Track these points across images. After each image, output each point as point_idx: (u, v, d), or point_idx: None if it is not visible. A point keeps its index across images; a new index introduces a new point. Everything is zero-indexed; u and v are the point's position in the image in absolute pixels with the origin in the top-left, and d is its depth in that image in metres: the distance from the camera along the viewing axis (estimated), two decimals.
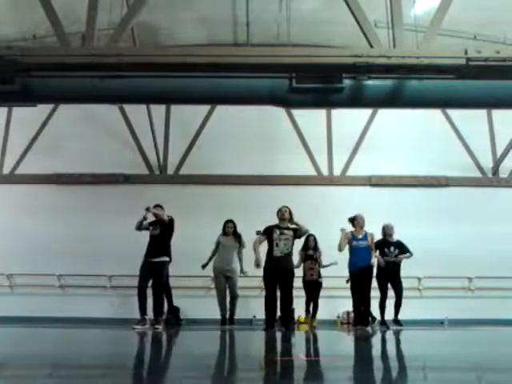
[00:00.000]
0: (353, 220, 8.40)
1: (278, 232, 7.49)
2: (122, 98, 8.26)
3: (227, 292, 8.45)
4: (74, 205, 11.79)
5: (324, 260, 9.51)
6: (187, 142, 12.51)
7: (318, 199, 11.71)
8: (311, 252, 9.28)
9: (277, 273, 7.39)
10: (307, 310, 9.34)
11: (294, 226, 7.58)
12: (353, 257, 8.22)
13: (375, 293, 8.53)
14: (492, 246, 11.08)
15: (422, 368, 3.07)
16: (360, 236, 8.27)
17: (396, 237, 8.90)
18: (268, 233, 7.56)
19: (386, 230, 8.83)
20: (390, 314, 8.67)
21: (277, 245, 7.43)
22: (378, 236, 8.70)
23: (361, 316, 8.09)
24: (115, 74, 7.30)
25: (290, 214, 7.59)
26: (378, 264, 8.56)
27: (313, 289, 9.23)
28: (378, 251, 8.62)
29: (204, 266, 8.53)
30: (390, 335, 6.69)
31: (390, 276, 8.69)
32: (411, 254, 8.78)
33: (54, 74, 7.34)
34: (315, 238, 9.31)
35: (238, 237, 8.50)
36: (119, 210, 11.02)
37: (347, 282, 9.04)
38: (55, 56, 7.10)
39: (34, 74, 7.30)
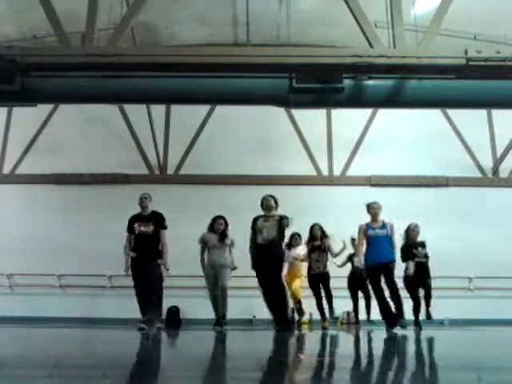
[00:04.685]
0: (367, 209, 7.35)
1: (261, 220, 7.13)
2: (121, 98, 8.26)
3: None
4: (74, 205, 11.79)
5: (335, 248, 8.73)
6: (187, 142, 12.52)
7: (317, 199, 11.72)
8: (318, 242, 8.51)
9: (262, 261, 6.96)
10: (321, 313, 8.49)
11: (279, 214, 7.16)
12: (370, 249, 7.10)
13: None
14: (492, 245, 11.08)
15: (421, 368, 3.07)
16: (376, 225, 7.19)
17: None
18: (254, 220, 7.20)
19: (411, 232, 8.09)
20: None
21: (260, 231, 7.05)
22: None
23: (393, 315, 6.94)
24: (115, 74, 7.31)
25: (276, 202, 7.21)
26: (406, 272, 7.92)
27: (321, 282, 8.40)
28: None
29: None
30: (388, 336, 6.68)
31: (420, 279, 8.03)
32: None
33: (53, 73, 7.34)
34: (321, 227, 8.58)
35: (225, 236, 7.78)
36: (119, 209, 10.99)
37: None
38: (55, 56, 7.10)
39: (33, 74, 7.30)
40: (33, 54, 7.11)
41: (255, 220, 7.19)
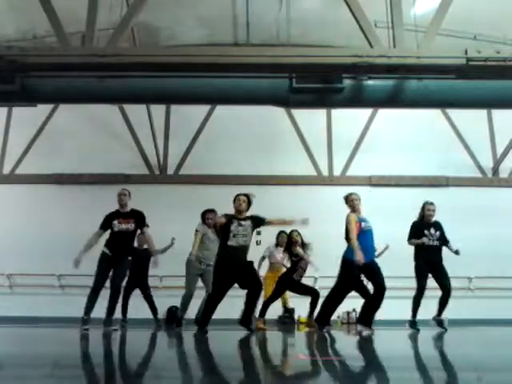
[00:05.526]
0: (346, 200, 6.99)
1: (235, 223, 6.45)
2: (122, 98, 8.26)
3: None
4: (74, 205, 11.79)
5: (313, 260, 8.34)
6: (187, 141, 12.52)
7: (318, 199, 11.71)
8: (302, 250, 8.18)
9: (232, 265, 6.31)
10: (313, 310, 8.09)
11: (251, 215, 6.64)
12: (361, 243, 6.56)
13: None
14: (492, 245, 11.07)
15: (420, 368, 3.07)
16: (363, 217, 6.77)
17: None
18: (227, 221, 6.51)
19: (425, 212, 7.45)
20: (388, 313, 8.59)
21: (234, 236, 6.40)
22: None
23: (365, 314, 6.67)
24: (115, 74, 7.31)
25: (249, 203, 6.61)
26: (418, 252, 7.26)
27: (296, 288, 8.24)
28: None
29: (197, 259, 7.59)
30: (388, 336, 6.69)
31: (432, 266, 7.26)
32: (458, 251, 7.49)
33: (53, 73, 7.34)
34: (299, 233, 8.22)
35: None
36: None
37: (316, 270, 8.10)
38: (55, 56, 7.10)
39: (33, 74, 7.31)
40: (33, 54, 7.11)
41: (228, 222, 6.50)
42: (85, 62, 6.98)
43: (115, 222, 6.93)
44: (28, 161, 12.46)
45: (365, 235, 6.61)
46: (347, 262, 6.59)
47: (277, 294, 8.26)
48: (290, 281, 8.11)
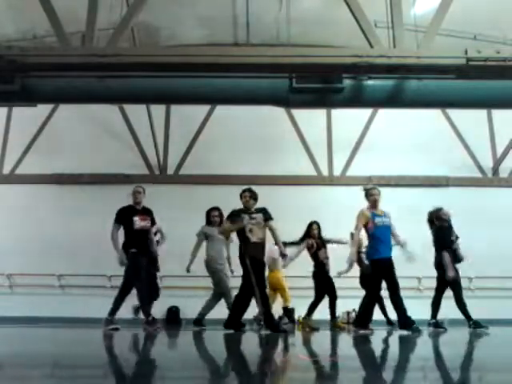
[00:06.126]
0: (366, 194, 6.72)
1: (247, 217, 6.58)
2: (122, 98, 8.26)
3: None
4: (74, 205, 11.80)
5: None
6: (187, 141, 12.53)
7: (317, 199, 11.72)
8: (319, 241, 8.29)
9: (258, 262, 6.54)
10: (312, 311, 8.24)
11: (260, 208, 6.80)
12: (379, 239, 6.47)
13: None
14: (492, 245, 11.07)
15: (419, 368, 3.07)
16: (379, 213, 6.61)
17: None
18: (236, 218, 6.67)
19: (444, 217, 7.50)
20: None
21: (250, 230, 6.53)
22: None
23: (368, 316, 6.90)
24: (115, 74, 7.32)
25: (255, 197, 6.76)
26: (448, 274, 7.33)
27: (330, 284, 8.19)
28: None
29: (188, 269, 7.85)
30: (389, 336, 6.69)
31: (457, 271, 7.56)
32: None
33: (53, 73, 7.35)
34: (319, 225, 8.35)
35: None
36: None
37: (340, 275, 8.27)
38: (55, 56, 7.11)
39: (33, 74, 7.31)
40: (33, 54, 7.11)
41: (238, 216, 6.65)
42: (85, 61, 6.98)
43: (136, 219, 6.92)
44: (28, 161, 12.48)
45: (380, 230, 6.52)
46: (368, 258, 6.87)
47: (317, 293, 8.23)
48: (324, 274, 8.13)
